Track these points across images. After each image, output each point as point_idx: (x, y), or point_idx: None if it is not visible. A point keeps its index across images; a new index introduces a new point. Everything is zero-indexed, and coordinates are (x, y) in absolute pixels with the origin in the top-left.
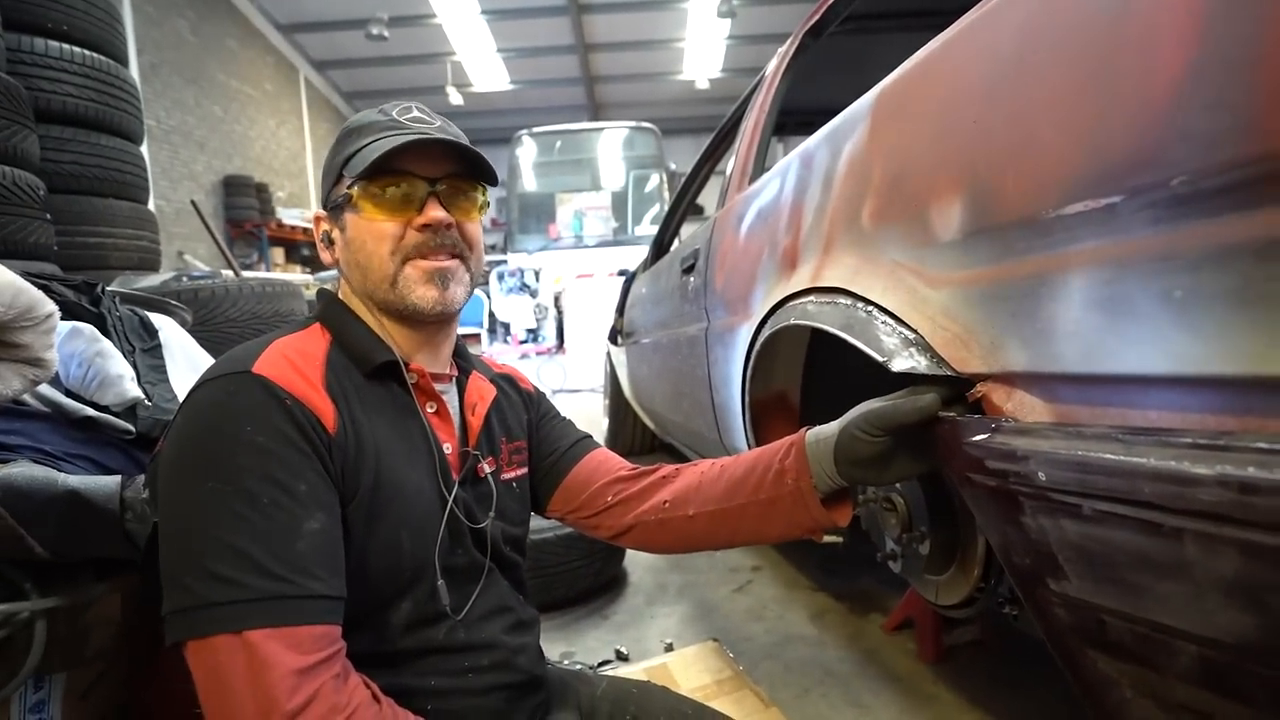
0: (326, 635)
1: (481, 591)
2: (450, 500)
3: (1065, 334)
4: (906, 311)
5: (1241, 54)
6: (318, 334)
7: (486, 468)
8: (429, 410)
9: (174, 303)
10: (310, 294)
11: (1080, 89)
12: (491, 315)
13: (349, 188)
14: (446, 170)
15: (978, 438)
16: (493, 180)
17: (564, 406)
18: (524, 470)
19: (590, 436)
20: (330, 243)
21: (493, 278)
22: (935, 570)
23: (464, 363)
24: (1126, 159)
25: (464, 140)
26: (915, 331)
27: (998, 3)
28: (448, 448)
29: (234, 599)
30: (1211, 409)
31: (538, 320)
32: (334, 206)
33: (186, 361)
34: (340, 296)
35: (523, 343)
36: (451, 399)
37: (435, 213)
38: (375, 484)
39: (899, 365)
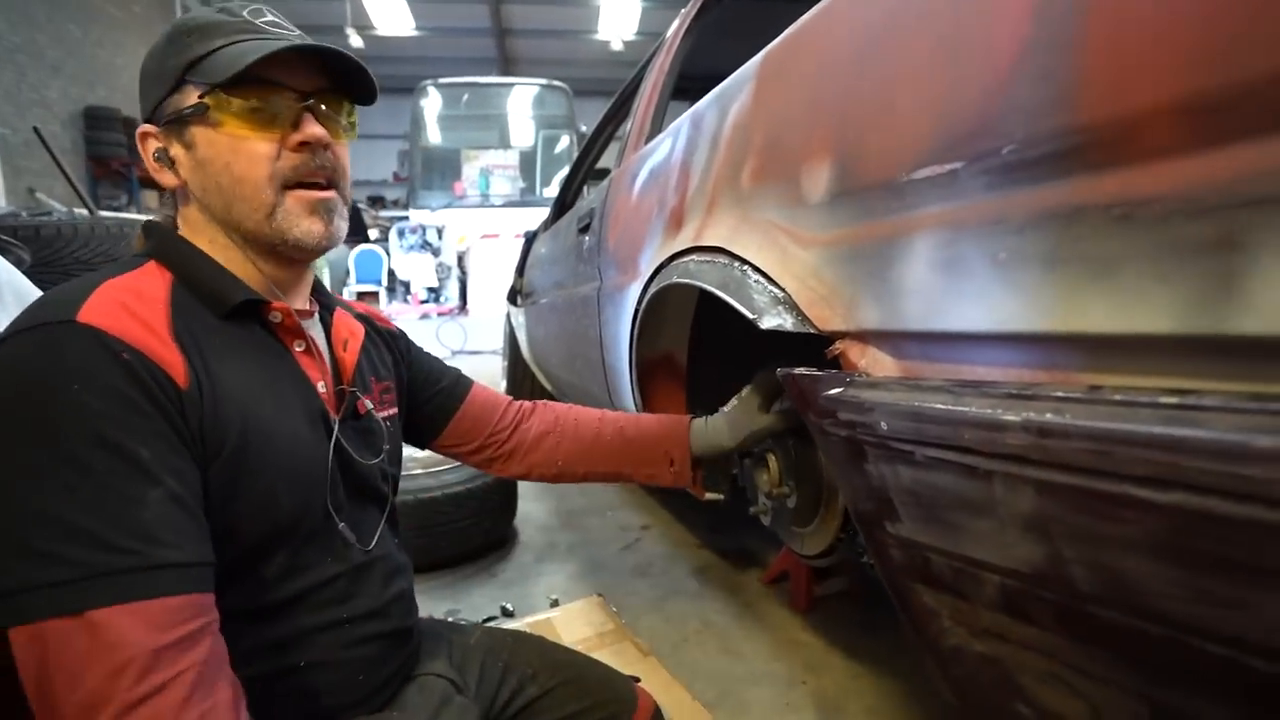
0: (189, 605)
1: (364, 536)
2: (333, 442)
3: (910, 293)
4: (777, 270)
5: (1065, 27)
6: (155, 273)
7: (368, 403)
8: (297, 349)
9: (8, 239)
10: None
11: (932, 60)
12: (391, 273)
13: (201, 96)
14: (318, 85)
15: (831, 391)
16: (372, 97)
17: (465, 368)
18: (394, 410)
19: (460, 371)
20: (170, 163)
21: (393, 234)
22: (801, 523)
23: (324, 299)
24: (968, 128)
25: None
26: (784, 290)
27: None
28: (321, 386)
29: (71, 577)
30: (1028, 363)
31: (440, 280)
32: (174, 119)
33: (18, 305)
34: (180, 229)
35: (423, 302)
36: (318, 335)
37: (313, 129)
38: (242, 440)
39: (767, 323)
